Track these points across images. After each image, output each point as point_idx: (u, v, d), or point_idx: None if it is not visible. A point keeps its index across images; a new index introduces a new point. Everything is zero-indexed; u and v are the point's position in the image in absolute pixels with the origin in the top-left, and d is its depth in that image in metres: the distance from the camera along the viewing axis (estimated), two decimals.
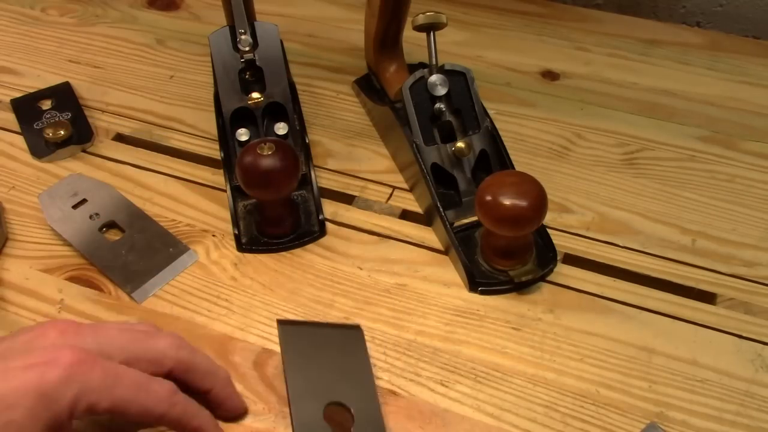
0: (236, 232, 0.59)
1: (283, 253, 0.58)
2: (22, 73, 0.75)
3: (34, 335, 0.41)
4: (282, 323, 0.49)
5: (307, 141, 0.63)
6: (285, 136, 0.63)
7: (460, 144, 0.58)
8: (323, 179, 0.64)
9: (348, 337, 0.49)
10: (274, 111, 0.63)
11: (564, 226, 0.60)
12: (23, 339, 0.41)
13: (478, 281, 0.55)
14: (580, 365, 0.51)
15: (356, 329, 0.50)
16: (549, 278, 0.56)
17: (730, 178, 0.64)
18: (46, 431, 0.38)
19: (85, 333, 0.42)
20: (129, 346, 0.43)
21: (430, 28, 0.57)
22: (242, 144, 0.62)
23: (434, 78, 0.58)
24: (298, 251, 0.59)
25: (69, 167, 0.65)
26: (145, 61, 0.76)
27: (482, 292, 0.55)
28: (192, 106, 0.71)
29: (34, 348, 0.40)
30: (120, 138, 0.68)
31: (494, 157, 0.60)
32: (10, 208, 0.62)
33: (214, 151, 0.66)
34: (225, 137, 0.62)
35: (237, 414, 0.48)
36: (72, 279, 0.56)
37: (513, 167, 0.59)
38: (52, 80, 0.73)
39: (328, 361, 0.48)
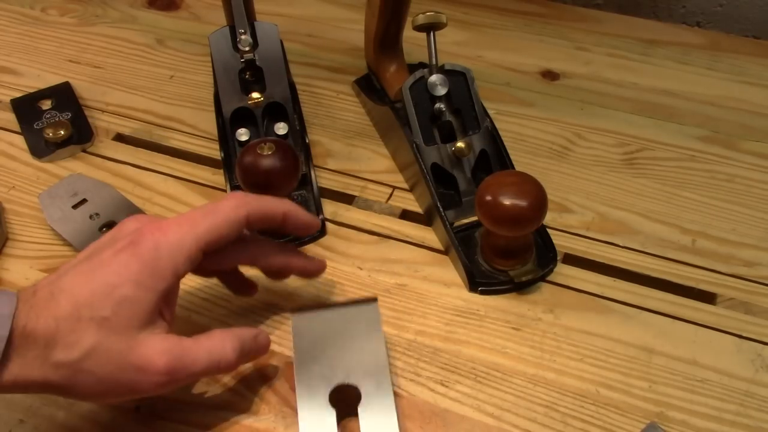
0: None
1: None
2: (22, 73, 0.75)
3: (116, 230, 0.44)
4: (295, 312, 0.49)
5: (307, 141, 0.63)
6: (285, 136, 0.63)
7: (460, 144, 0.58)
8: (323, 179, 0.64)
9: (362, 314, 0.49)
10: (274, 111, 0.63)
11: (564, 226, 0.60)
12: (107, 237, 0.44)
13: (478, 281, 0.55)
14: (580, 365, 0.51)
15: (371, 303, 0.50)
16: (549, 278, 0.56)
17: (730, 178, 0.64)
18: (159, 298, 0.42)
19: (159, 220, 0.45)
20: (205, 222, 0.45)
21: (430, 28, 0.57)
22: (242, 144, 0.62)
23: (434, 78, 0.58)
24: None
25: (69, 167, 0.65)
26: (145, 61, 0.76)
27: (482, 292, 0.55)
28: (192, 106, 0.71)
29: (118, 237, 0.43)
30: (120, 138, 0.68)
31: (494, 157, 0.60)
32: (10, 208, 0.62)
33: (214, 151, 0.66)
34: (225, 137, 0.62)
35: (313, 226, 0.50)
36: None
37: (513, 167, 0.59)
38: (52, 80, 0.73)
39: (339, 343, 0.48)
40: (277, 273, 0.51)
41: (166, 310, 0.43)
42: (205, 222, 0.44)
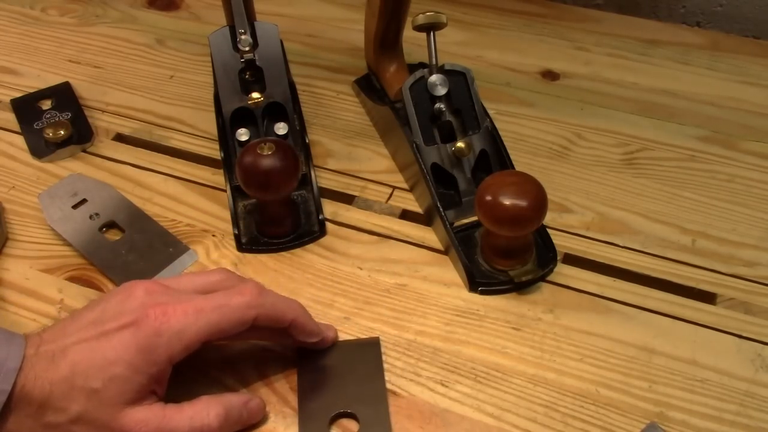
0: (236, 232, 0.59)
1: (283, 253, 0.58)
2: (22, 73, 0.75)
3: (124, 297, 0.45)
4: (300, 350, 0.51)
5: (307, 141, 0.63)
6: (285, 136, 0.63)
7: (460, 144, 0.58)
8: (323, 179, 0.64)
9: (365, 349, 0.51)
10: (274, 111, 0.63)
11: (564, 226, 0.60)
12: (114, 302, 0.45)
13: (478, 281, 0.55)
14: (580, 365, 0.51)
15: (374, 342, 0.52)
16: (549, 278, 0.56)
17: (730, 178, 0.64)
18: (149, 380, 0.43)
19: (170, 292, 0.46)
20: (212, 316, 0.45)
21: (430, 28, 0.57)
22: (242, 144, 0.62)
23: (434, 78, 0.58)
24: (298, 251, 0.59)
25: (69, 167, 0.65)
26: (145, 61, 0.76)
27: (482, 292, 0.55)
28: (192, 106, 0.71)
29: (125, 310, 0.44)
30: (120, 138, 0.68)
31: (494, 157, 0.60)
32: (10, 208, 0.62)
33: (214, 151, 0.66)
34: (225, 137, 0.62)
35: (315, 337, 0.50)
36: (72, 279, 0.56)
37: (513, 167, 0.59)
38: (52, 80, 0.73)
39: (342, 374, 0.50)
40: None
41: (157, 386, 0.45)
42: (213, 316, 0.44)
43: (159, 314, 0.43)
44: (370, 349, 0.51)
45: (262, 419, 0.48)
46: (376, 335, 0.52)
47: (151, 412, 0.44)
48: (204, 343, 0.45)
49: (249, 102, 0.62)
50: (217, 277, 0.49)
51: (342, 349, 0.51)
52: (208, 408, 0.45)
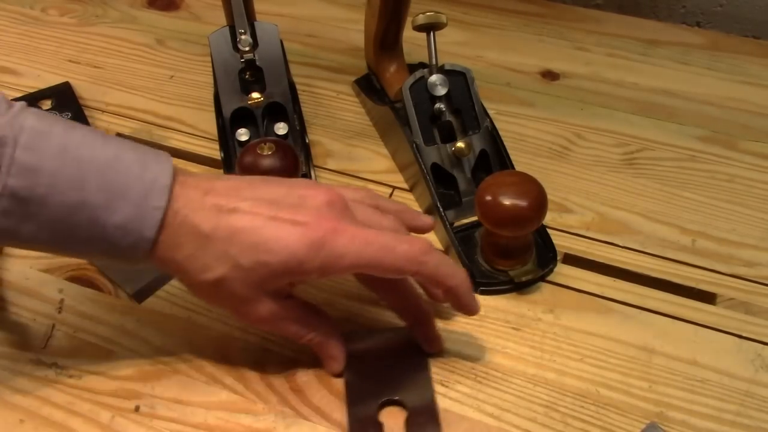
0: None
1: None
2: (22, 73, 0.75)
3: (307, 194, 0.45)
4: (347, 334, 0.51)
5: (307, 141, 0.63)
6: (285, 136, 0.63)
7: (460, 144, 0.58)
8: (323, 179, 0.64)
9: (410, 337, 0.51)
10: (274, 111, 0.63)
11: (564, 226, 0.60)
12: (296, 194, 0.45)
13: (478, 281, 0.55)
14: (580, 365, 0.51)
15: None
16: (549, 278, 0.56)
17: (730, 178, 0.64)
18: (292, 278, 0.44)
19: (347, 213, 0.45)
20: (374, 253, 0.44)
21: (430, 28, 0.57)
22: (242, 144, 0.62)
23: (434, 78, 0.58)
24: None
25: None
26: (145, 61, 0.76)
27: (482, 292, 0.55)
28: (192, 106, 0.71)
29: (303, 207, 0.44)
30: None
31: (494, 157, 0.60)
32: None
33: (214, 151, 0.66)
34: (225, 137, 0.62)
35: (472, 312, 0.49)
36: (72, 279, 0.56)
37: (513, 167, 0.59)
38: (52, 80, 0.73)
39: (389, 361, 0.50)
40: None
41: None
42: (376, 253, 0.44)
43: (330, 230, 0.43)
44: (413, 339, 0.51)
45: (262, 420, 0.48)
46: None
47: (283, 308, 0.45)
48: (355, 272, 0.45)
49: (249, 102, 0.62)
50: (395, 207, 0.50)
51: (387, 336, 0.52)
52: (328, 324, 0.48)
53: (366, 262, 0.43)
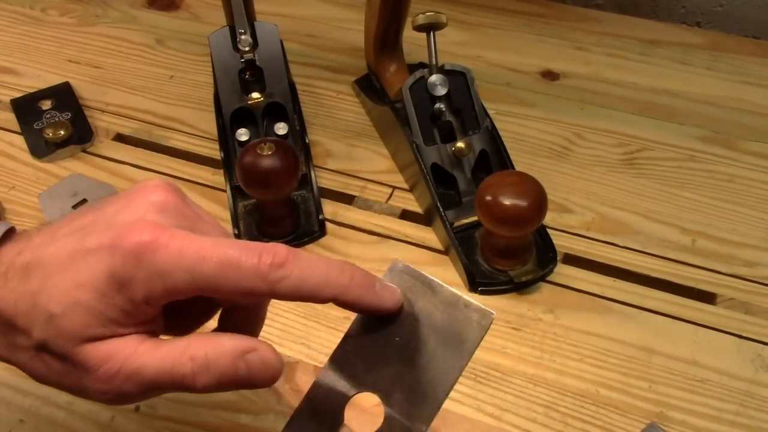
0: (236, 232, 0.59)
1: None
2: (22, 73, 0.75)
3: (127, 203, 0.35)
4: (400, 267, 0.38)
5: (307, 141, 0.63)
6: (285, 136, 0.63)
7: (460, 144, 0.58)
8: (323, 179, 0.64)
9: (462, 322, 0.37)
10: (274, 111, 0.63)
11: (564, 226, 0.60)
12: (114, 207, 0.35)
13: (478, 281, 0.55)
14: (580, 365, 0.51)
15: (485, 315, 0.36)
16: (549, 278, 0.56)
17: (730, 178, 0.64)
18: (121, 315, 0.33)
19: (183, 217, 0.36)
20: (211, 270, 0.34)
21: (430, 28, 0.57)
22: (242, 144, 0.62)
23: (434, 78, 0.58)
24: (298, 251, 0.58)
25: (69, 167, 0.65)
26: (145, 61, 0.76)
27: (482, 292, 0.55)
28: (192, 106, 0.71)
29: (115, 223, 0.34)
30: (120, 138, 0.68)
31: (494, 157, 0.60)
32: (10, 208, 0.62)
33: (214, 151, 0.66)
34: (225, 137, 0.62)
35: (384, 308, 0.37)
36: None
37: (513, 167, 0.59)
38: (52, 80, 0.73)
39: (408, 344, 0.38)
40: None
41: (139, 324, 0.35)
42: (212, 270, 0.33)
43: (147, 242, 0.32)
44: (475, 318, 0.36)
45: (262, 420, 0.48)
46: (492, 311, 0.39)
47: (119, 346, 0.34)
48: (201, 295, 0.34)
49: (249, 102, 0.62)
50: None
51: (435, 302, 0.37)
52: (187, 348, 0.33)
53: (198, 282, 0.33)
